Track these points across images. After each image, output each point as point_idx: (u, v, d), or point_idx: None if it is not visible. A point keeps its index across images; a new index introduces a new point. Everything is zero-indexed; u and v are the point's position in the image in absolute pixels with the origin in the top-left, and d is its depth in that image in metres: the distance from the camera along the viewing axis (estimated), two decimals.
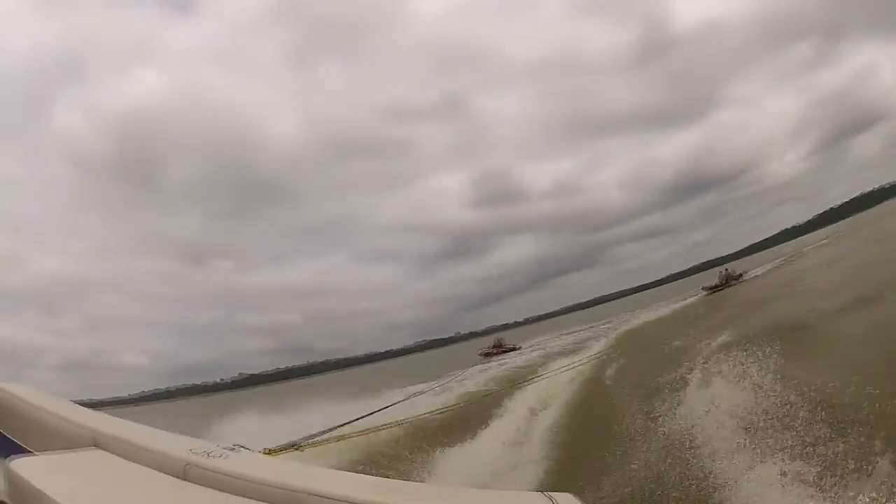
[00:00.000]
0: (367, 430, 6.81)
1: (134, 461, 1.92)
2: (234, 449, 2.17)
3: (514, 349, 35.21)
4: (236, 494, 1.81)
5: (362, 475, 2.40)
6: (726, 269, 40.98)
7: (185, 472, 1.88)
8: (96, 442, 2.01)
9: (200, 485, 1.84)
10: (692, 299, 34.01)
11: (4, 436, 2.18)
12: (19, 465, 1.60)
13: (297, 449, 3.19)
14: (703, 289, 38.32)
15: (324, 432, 4.51)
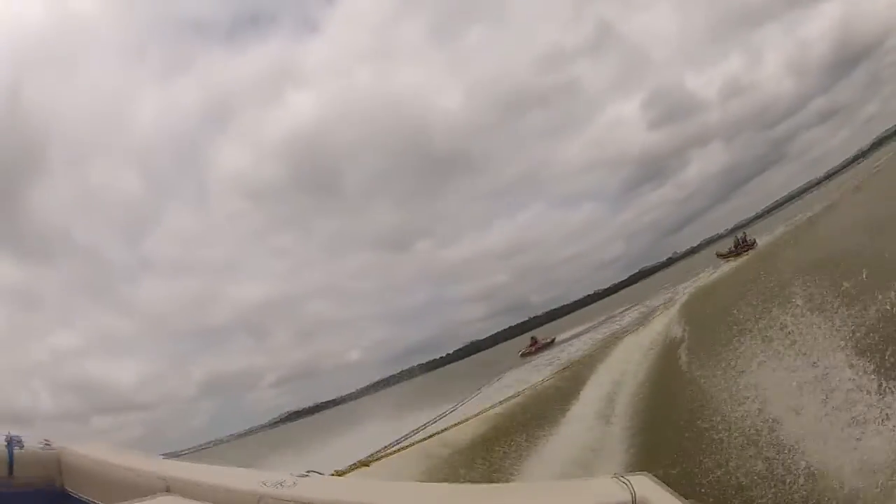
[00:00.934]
0: (432, 434, 6.63)
1: (206, 502, 1.90)
2: (305, 475, 2.14)
3: (551, 343, 33.50)
4: None
5: (436, 484, 2.35)
6: (745, 234, 37.61)
7: None
8: (169, 488, 2.02)
9: None
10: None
11: (73, 496, 2.19)
12: None
13: (364, 465, 3.14)
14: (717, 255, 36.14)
15: (392, 444, 4.42)
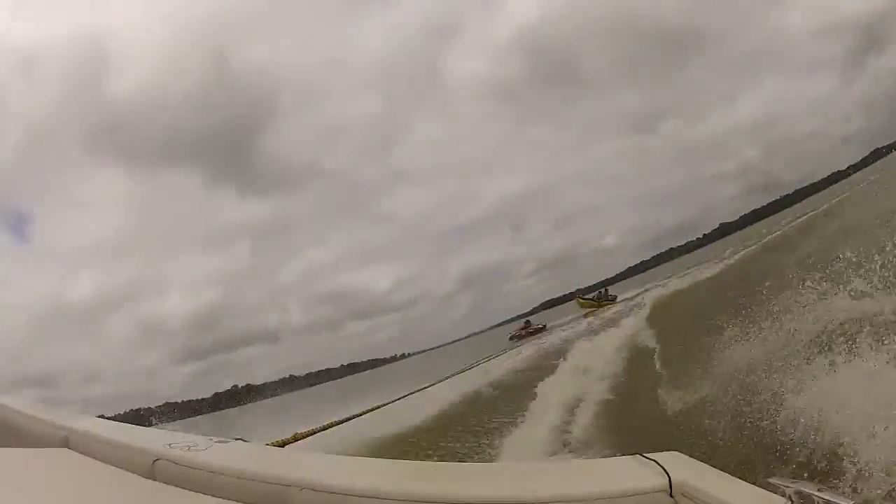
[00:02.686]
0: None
1: (102, 460, 1.69)
2: (226, 441, 1.90)
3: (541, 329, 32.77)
4: (209, 492, 1.51)
5: (379, 459, 2.07)
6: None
7: (153, 469, 1.62)
8: (68, 441, 1.81)
9: (167, 483, 1.57)
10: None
11: None
12: None
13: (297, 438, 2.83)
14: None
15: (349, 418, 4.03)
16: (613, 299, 36.10)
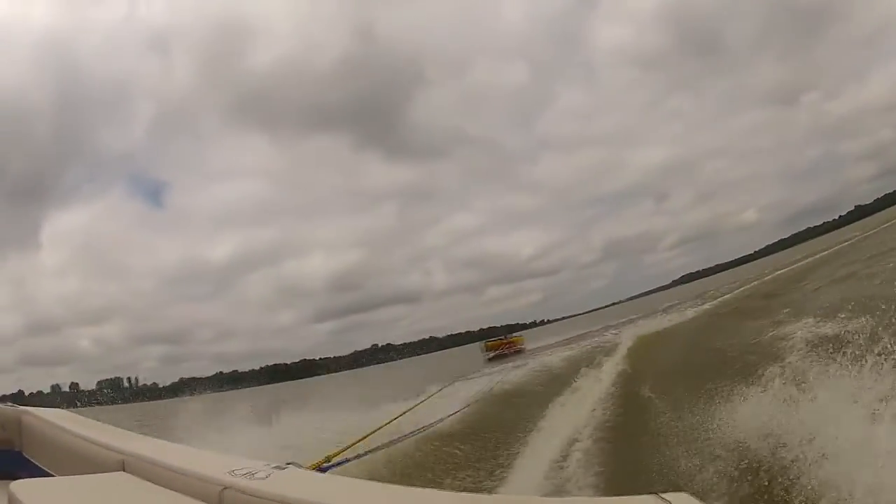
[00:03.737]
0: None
1: (164, 486, 1.63)
2: (283, 468, 1.85)
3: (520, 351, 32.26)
4: None
5: (438, 491, 2.01)
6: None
7: (220, 498, 1.56)
8: (124, 465, 1.76)
9: None
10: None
11: (28, 460, 2.00)
12: (20, 487, 1.36)
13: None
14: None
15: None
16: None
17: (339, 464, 2.76)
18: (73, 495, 1.50)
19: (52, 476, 1.88)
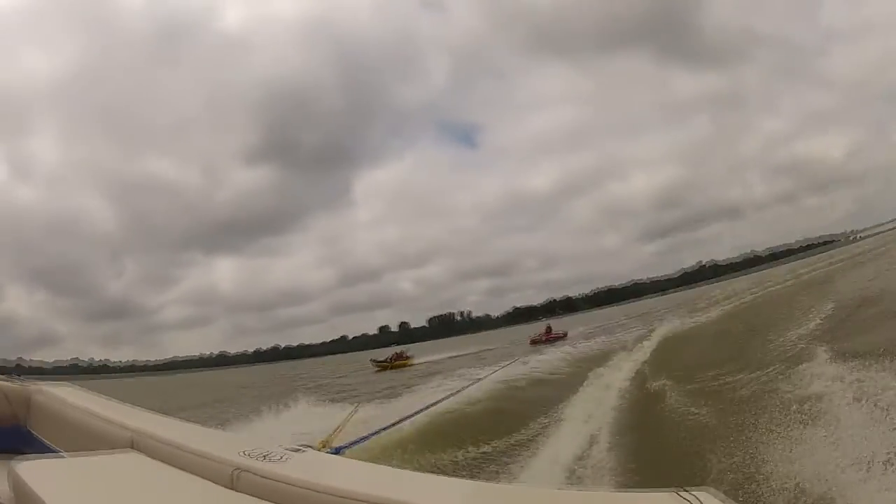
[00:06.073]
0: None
1: (174, 466, 1.55)
2: (298, 450, 1.76)
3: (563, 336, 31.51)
4: None
5: (458, 479, 1.92)
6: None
7: (233, 479, 1.47)
8: (134, 443, 1.68)
9: (250, 494, 1.42)
10: None
11: (35, 437, 1.94)
12: (24, 467, 1.29)
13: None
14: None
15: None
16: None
17: (355, 442, 2.68)
18: (80, 475, 1.42)
19: (59, 453, 1.82)
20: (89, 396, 2.14)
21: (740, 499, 3.95)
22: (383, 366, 30.62)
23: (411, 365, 29.60)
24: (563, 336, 31.47)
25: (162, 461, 1.58)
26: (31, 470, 1.33)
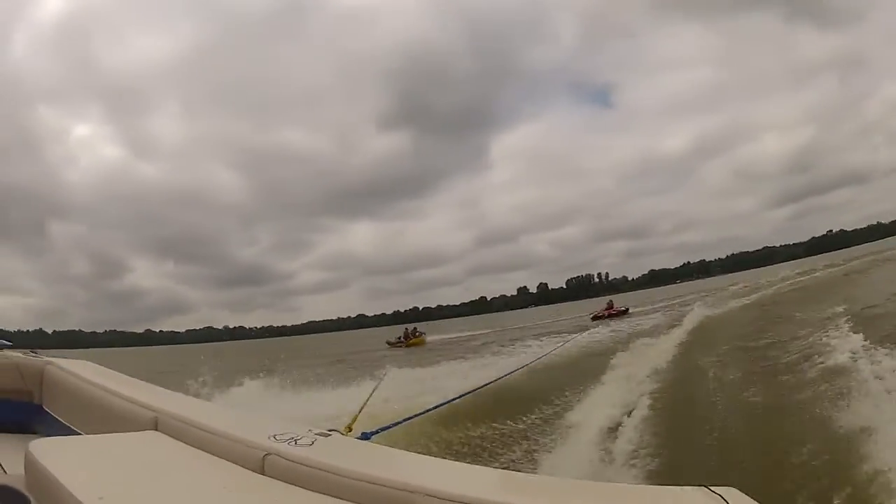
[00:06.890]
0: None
1: (199, 448, 1.49)
2: (326, 434, 1.69)
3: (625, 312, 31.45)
4: (329, 493, 1.29)
5: (487, 468, 1.85)
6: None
7: (263, 464, 1.41)
8: (157, 424, 1.62)
9: (279, 479, 1.36)
10: None
11: (49, 415, 1.89)
12: (38, 445, 1.23)
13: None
14: None
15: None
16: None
17: (385, 428, 2.60)
18: (100, 455, 1.36)
19: (75, 432, 1.77)
20: (108, 373, 2.07)
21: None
22: (398, 344, 31.57)
23: (423, 343, 30.73)
24: (626, 311, 31.77)
25: (188, 444, 1.52)
26: (46, 448, 1.26)
